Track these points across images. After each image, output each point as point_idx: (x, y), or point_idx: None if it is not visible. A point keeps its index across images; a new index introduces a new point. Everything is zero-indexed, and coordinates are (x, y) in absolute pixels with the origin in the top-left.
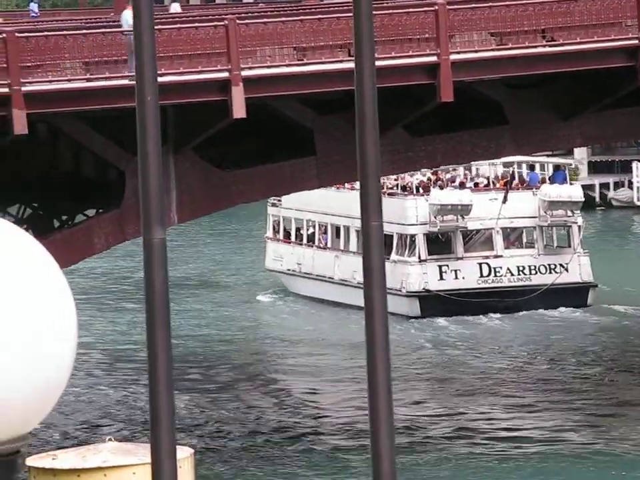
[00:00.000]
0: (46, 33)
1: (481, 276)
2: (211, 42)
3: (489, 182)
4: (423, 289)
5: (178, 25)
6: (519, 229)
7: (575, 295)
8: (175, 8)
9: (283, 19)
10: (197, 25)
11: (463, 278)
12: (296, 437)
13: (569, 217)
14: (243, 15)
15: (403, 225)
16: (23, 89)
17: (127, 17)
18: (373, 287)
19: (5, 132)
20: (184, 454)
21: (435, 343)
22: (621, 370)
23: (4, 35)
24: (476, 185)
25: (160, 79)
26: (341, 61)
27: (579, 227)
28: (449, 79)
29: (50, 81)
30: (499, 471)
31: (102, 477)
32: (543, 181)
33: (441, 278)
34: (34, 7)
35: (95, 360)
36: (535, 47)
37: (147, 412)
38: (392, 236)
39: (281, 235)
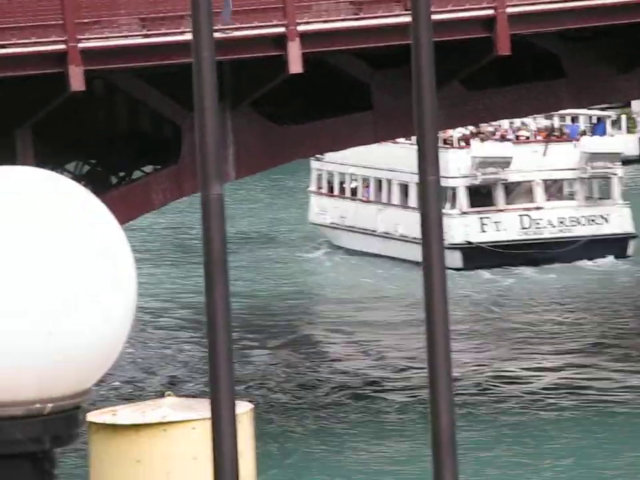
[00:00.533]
0: None
1: (522, 228)
2: None
3: (530, 134)
4: (465, 241)
5: None
6: (559, 180)
7: (615, 245)
8: None
9: None
10: None
11: (505, 230)
12: (355, 393)
13: (609, 168)
14: None
15: (445, 177)
16: (80, 45)
17: None
18: (430, 240)
19: (62, 89)
20: (243, 409)
21: (478, 295)
22: None
23: None
24: (517, 137)
25: (216, 35)
26: (397, 15)
27: (619, 178)
28: (506, 32)
29: (106, 37)
30: (554, 423)
31: (161, 432)
32: (584, 133)
33: (483, 230)
34: None
35: (155, 316)
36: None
37: (207, 367)
38: None
39: (324, 189)
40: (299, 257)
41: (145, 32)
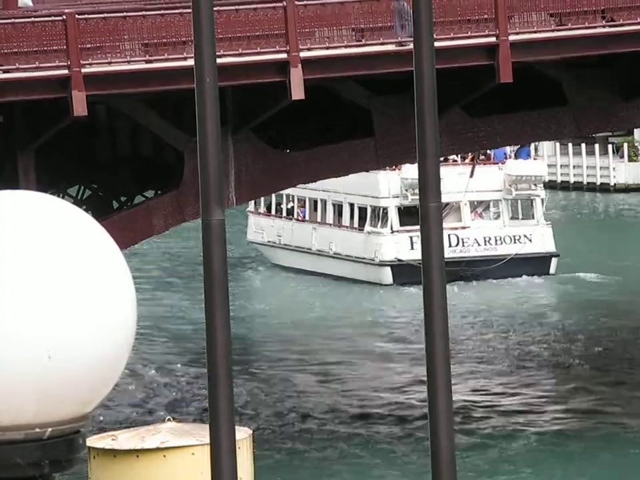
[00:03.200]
0: (105, 15)
1: (450, 246)
2: (270, 23)
3: (457, 157)
4: (395, 258)
5: (236, 7)
6: (485, 201)
7: (538, 263)
8: None
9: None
10: (255, 6)
11: None
12: (347, 417)
13: (532, 190)
14: None
15: (377, 197)
16: (83, 70)
17: None
18: (432, 266)
19: (65, 113)
20: (243, 434)
21: (403, 310)
22: (573, 331)
23: (64, 17)
24: (445, 159)
25: (219, 60)
26: (399, 42)
27: (542, 199)
28: (508, 60)
29: (109, 63)
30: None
31: (161, 457)
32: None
33: (412, 248)
34: None
35: (153, 340)
36: (595, 27)
37: (205, 392)
38: (366, 208)
39: (262, 209)
40: (237, 275)
41: (147, 57)
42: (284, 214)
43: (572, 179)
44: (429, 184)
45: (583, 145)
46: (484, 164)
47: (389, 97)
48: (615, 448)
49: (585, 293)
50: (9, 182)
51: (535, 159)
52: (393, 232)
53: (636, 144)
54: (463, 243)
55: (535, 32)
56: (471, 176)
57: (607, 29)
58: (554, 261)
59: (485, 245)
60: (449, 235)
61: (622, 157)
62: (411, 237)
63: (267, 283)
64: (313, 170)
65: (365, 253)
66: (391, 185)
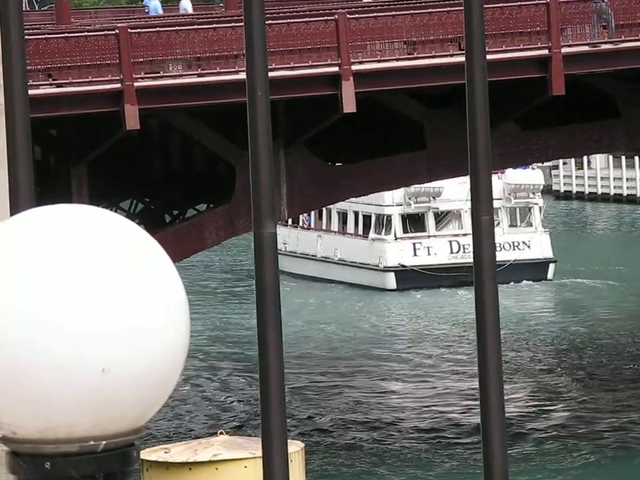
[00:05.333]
0: (158, 29)
1: (451, 252)
2: (321, 36)
3: None
4: (399, 264)
5: (288, 20)
6: None
7: (536, 269)
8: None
9: (393, 13)
10: (307, 19)
11: (435, 254)
12: (388, 429)
13: (531, 199)
14: (353, 9)
15: (381, 205)
16: (135, 84)
17: None
18: (484, 282)
19: (117, 127)
20: (295, 448)
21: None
22: (568, 332)
23: (116, 31)
24: None
25: (270, 74)
26: (451, 55)
27: (540, 207)
28: (561, 73)
29: (161, 76)
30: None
31: (213, 470)
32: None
33: (415, 254)
34: (152, 4)
35: (206, 353)
36: (612, 42)
37: (258, 405)
38: (370, 216)
39: None
40: (246, 282)
41: (199, 71)
42: (290, 222)
43: (625, 192)
44: (481, 197)
45: (637, 158)
46: None
47: (441, 110)
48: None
49: (580, 297)
50: (62, 196)
51: (533, 169)
52: (396, 239)
53: None
54: (465, 249)
55: (588, 44)
56: None
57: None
58: (551, 266)
59: None
60: (450, 242)
61: None
62: (414, 244)
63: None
64: (364, 183)
65: (369, 259)
66: (395, 193)
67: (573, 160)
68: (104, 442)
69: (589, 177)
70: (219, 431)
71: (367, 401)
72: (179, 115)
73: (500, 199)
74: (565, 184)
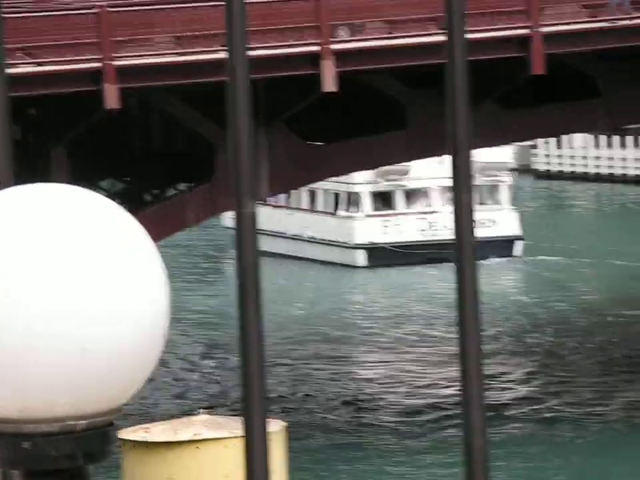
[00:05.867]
0: (137, 7)
1: (420, 230)
2: (302, 15)
3: None
4: (369, 241)
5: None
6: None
7: (503, 246)
8: None
9: None
10: None
11: (404, 232)
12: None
13: (499, 177)
14: None
15: (350, 183)
16: (115, 63)
17: None
18: (464, 262)
19: (97, 106)
20: (276, 427)
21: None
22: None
23: (96, 10)
24: None
25: (250, 53)
26: (431, 34)
27: (508, 186)
28: (541, 52)
29: (141, 55)
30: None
31: (194, 449)
32: None
33: (385, 232)
34: None
35: (185, 333)
36: (627, 19)
37: (238, 385)
38: (339, 194)
39: None
40: (216, 259)
41: (179, 50)
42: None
43: (605, 171)
44: (461, 177)
45: (617, 137)
46: None
47: (422, 89)
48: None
49: (547, 274)
50: (41, 174)
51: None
52: (366, 216)
53: None
54: (433, 227)
55: (568, 23)
56: (440, 162)
57: (632, 21)
58: (518, 243)
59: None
60: (419, 220)
61: None
62: (383, 221)
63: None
64: (345, 163)
65: (339, 236)
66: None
67: (553, 139)
68: (84, 421)
69: (569, 156)
70: (199, 410)
71: (344, 379)
72: (160, 94)
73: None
74: (545, 163)
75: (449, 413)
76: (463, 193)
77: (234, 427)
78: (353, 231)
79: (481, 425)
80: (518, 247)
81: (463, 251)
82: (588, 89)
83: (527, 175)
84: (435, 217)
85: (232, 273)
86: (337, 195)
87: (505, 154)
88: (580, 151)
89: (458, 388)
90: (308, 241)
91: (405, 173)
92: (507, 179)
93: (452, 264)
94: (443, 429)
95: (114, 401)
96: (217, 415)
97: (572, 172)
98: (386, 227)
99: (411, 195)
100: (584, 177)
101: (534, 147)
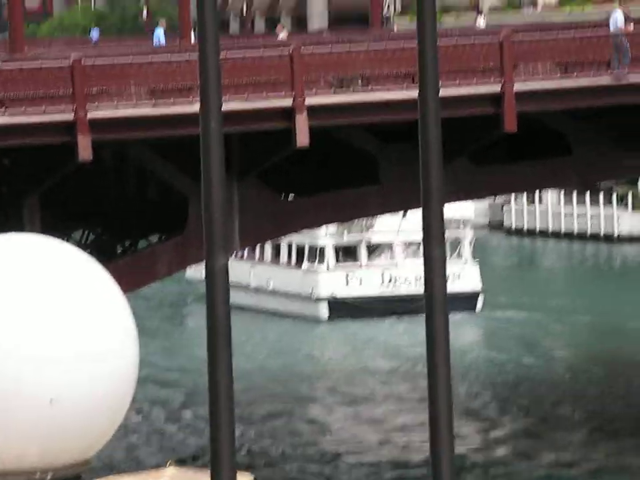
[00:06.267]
0: (111, 61)
1: (383, 283)
2: (276, 70)
3: None
4: (331, 294)
5: (243, 54)
6: (416, 241)
7: (466, 301)
8: (283, 34)
9: (348, 48)
10: (261, 53)
11: (367, 285)
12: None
13: (461, 231)
14: (307, 43)
15: (314, 237)
16: (88, 115)
17: None
18: (435, 313)
19: (70, 158)
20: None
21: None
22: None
23: (69, 62)
24: None
25: (224, 106)
26: (405, 89)
27: (470, 240)
28: (513, 110)
29: (115, 108)
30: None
31: None
32: None
33: (347, 284)
34: (94, 34)
35: (157, 386)
36: (598, 77)
37: (207, 438)
38: (303, 247)
39: None
40: (177, 312)
41: (153, 102)
42: None
43: (575, 228)
44: (432, 231)
45: (587, 194)
46: (416, 206)
47: (395, 144)
48: None
49: (505, 329)
50: (14, 225)
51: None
52: (329, 269)
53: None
54: (395, 280)
55: (540, 82)
56: (404, 217)
57: (610, 81)
58: (480, 298)
59: (416, 282)
60: (382, 273)
61: (626, 206)
62: (346, 274)
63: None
64: (317, 216)
65: (302, 289)
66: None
67: (525, 195)
68: (51, 473)
69: (540, 212)
70: (168, 463)
71: (310, 434)
72: (133, 146)
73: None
74: (516, 219)
75: (416, 470)
76: (434, 247)
77: (203, 479)
78: (316, 284)
79: (450, 476)
80: (479, 302)
81: (434, 304)
82: (560, 146)
83: (499, 232)
84: (398, 271)
85: (192, 325)
86: (300, 248)
87: (466, 209)
88: (551, 207)
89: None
90: (271, 293)
91: (370, 226)
92: (469, 233)
93: (414, 317)
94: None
95: (82, 453)
96: (185, 468)
97: (543, 229)
98: (349, 279)
99: (374, 249)
100: (555, 234)
101: (506, 203)
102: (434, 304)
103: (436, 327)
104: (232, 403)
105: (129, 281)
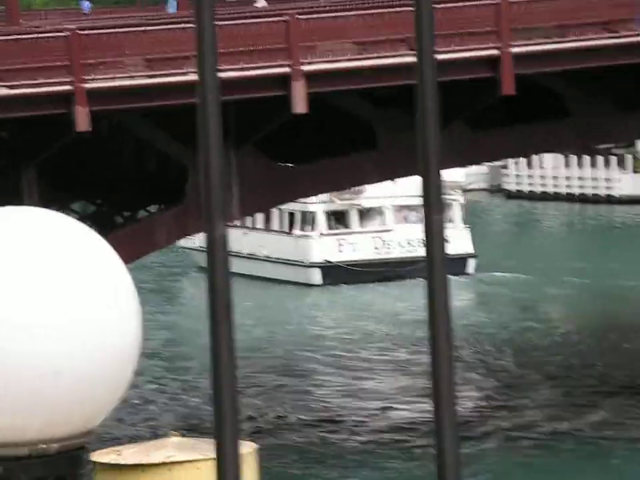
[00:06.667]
0: (107, 30)
1: (375, 248)
2: (272, 37)
3: None
4: (324, 260)
5: (238, 21)
6: (407, 206)
7: (456, 264)
8: (262, 2)
9: (343, 13)
10: (257, 20)
11: (359, 250)
12: (338, 427)
13: (451, 195)
14: (304, 9)
15: (305, 203)
16: (86, 85)
17: None
18: (434, 279)
19: (68, 129)
20: (248, 449)
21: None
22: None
23: (66, 33)
24: None
25: (221, 75)
26: (401, 55)
27: (461, 204)
28: (511, 72)
29: (112, 78)
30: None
31: (166, 472)
32: None
33: (340, 250)
34: (85, 4)
35: (156, 355)
36: (596, 39)
37: (210, 407)
38: (294, 213)
39: None
40: (173, 279)
41: (150, 72)
42: None
43: (576, 191)
44: (431, 197)
45: (587, 157)
46: None
47: (392, 110)
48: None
49: (496, 291)
50: (12, 197)
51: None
52: (321, 235)
53: (639, 155)
54: (387, 245)
55: (537, 44)
56: (395, 182)
57: (607, 41)
58: (471, 261)
59: (407, 246)
60: (373, 238)
61: (625, 168)
62: (339, 240)
63: (200, 286)
64: (316, 183)
65: (294, 255)
66: None
67: (523, 159)
68: (55, 445)
69: (539, 176)
70: (171, 432)
71: (310, 400)
72: (131, 117)
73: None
74: (516, 183)
75: (421, 431)
76: (433, 212)
77: (206, 449)
78: (308, 250)
79: (453, 443)
80: (471, 265)
81: (434, 268)
82: (558, 109)
83: (498, 195)
84: (389, 235)
85: (190, 293)
86: (291, 214)
87: (457, 173)
88: (550, 171)
89: (430, 407)
90: (263, 260)
91: (360, 192)
92: (459, 198)
93: (405, 282)
94: (415, 447)
95: (86, 424)
96: (188, 437)
97: (543, 192)
98: (341, 245)
99: (366, 214)
100: (555, 197)
101: (504, 167)
102: (434, 269)
103: (437, 288)
104: (234, 373)
105: (128, 252)
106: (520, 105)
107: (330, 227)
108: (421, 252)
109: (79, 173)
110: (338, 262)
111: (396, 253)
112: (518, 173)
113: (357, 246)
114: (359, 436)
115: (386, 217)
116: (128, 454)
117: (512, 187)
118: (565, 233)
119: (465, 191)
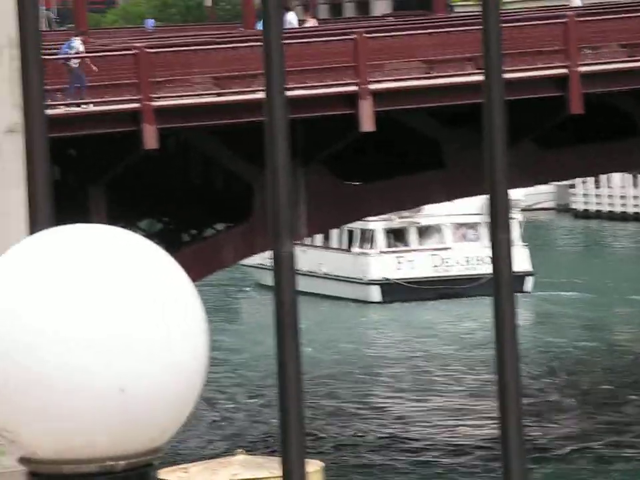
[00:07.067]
0: (175, 48)
1: (433, 266)
2: (340, 55)
3: None
4: (383, 277)
5: (307, 40)
6: (466, 224)
7: (514, 282)
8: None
9: (411, 32)
10: (325, 39)
11: (418, 268)
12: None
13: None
14: (371, 28)
15: (364, 220)
16: (154, 104)
17: None
18: (502, 299)
19: (135, 147)
20: (314, 467)
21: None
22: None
23: (135, 51)
24: None
25: (289, 93)
26: (468, 74)
27: (519, 222)
28: (579, 91)
29: (180, 96)
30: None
31: None
32: None
33: (398, 268)
34: (149, 22)
35: (224, 374)
36: None
37: (275, 425)
38: (353, 231)
39: None
40: (231, 295)
41: (218, 90)
42: None
43: None
44: (499, 217)
45: None
46: None
47: (460, 128)
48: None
49: (555, 310)
50: (80, 215)
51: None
52: (380, 253)
53: None
54: (446, 263)
55: (605, 63)
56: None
57: None
58: (529, 279)
59: (466, 264)
60: (432, 256)
61: None
62: (397, 257)
63: (259, 304)
64: (382, 202)
65: (353, 273)
66: None
67: (591, 178)
68: (122, 462)
69: (607, 196)
70: (238, 450)
71: (374, 419)
72: (198, 134)
73: (480, 214)
74: (583, 202)
75: (490, 452)
76: (500, 231)
77: (272, 467)
78: (367, 267)
79: (520, 464)
80: (529, 283)
81: (501, 288)
82: (626, 128)
83: (566, 215)
84: (447, 253)
85: (248, 310)
86: (350, 232)
87: (516, 192)
88: (618, 190)
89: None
90: (322, 278)
91: (419, 210)
92: (517, 216)
93: (464, 299)
94: (484, 467)
95: (154, 440)
96: (255, 455)
97: (610, 211)
98: (399, 262)
99: (424, 232)
100: (622, 217)
101: (572, 186)
102: (501, 287)
103: (504, 310)
104: (301, 391)
105: (195, 270)
106: (588, 124)
107: (389, 245)
108: (480, 270)
109: (146, 191)
110: (396, 279)
111: (454, 270)
112: (586, 192)
113: (416, 263)
114: (424, 454)
115: (444, 234)
116: (195, 472)
117: (579, 206)
118: (632, 253)
119: (530, 210)
